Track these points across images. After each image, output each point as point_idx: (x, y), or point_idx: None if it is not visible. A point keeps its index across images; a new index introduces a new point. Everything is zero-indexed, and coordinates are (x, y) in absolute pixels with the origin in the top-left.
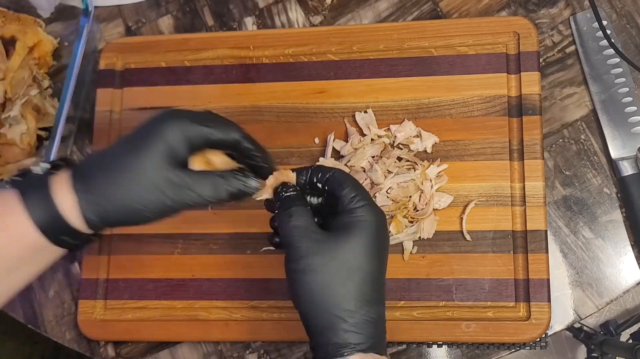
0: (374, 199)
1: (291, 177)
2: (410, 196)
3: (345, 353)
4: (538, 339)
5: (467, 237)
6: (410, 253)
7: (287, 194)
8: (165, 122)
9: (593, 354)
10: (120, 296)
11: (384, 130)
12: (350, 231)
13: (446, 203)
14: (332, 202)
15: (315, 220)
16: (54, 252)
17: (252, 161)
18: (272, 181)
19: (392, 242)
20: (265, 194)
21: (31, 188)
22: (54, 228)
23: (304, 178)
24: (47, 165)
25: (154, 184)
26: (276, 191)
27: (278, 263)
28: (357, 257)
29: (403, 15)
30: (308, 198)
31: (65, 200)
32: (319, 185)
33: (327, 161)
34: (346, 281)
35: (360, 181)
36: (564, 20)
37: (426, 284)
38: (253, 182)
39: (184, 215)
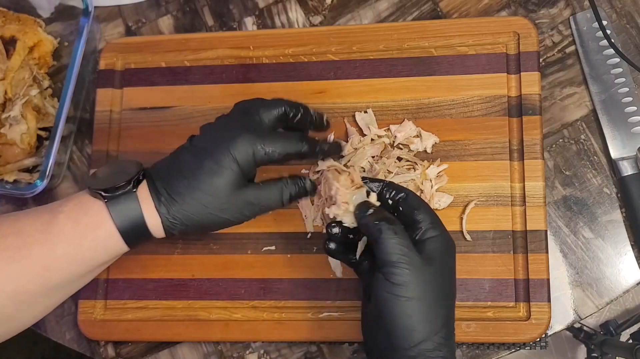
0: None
1: (356, 177)
2: None
3: None
4: (538, 339)
5: (467, 237)
6: None
7: (377, 212)
8: (237, 147)
9: (593, 354)
10: (120, 296)
11: (384, 130)
12: (436, 259)
13: (446, 203)
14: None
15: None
16: (121, 253)
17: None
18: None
19: None
20: (343, 208)
21: (118, 202)
22: (136, 237)
23: (375, 191)
24: (126, 180)
25: (232, 206)
26: (361, 207)
27: (278, 263)
28: (445, 285)
29: (403, 15)
30: None
31: (151, 217)
32: (390, 202)
33: (327, 161)
34: (437, 312)
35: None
36: (564, 20)
37: None
38: (308, 182)
39: None
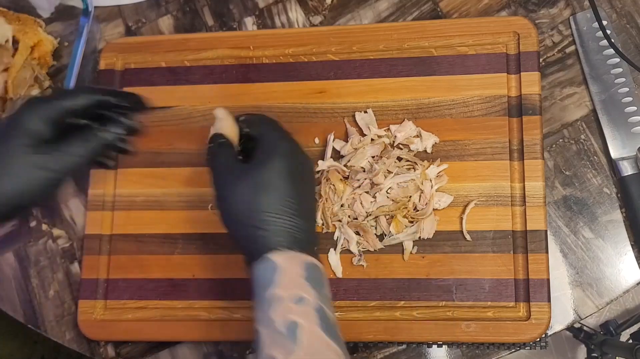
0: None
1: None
2: (410, 196)
3: (264, 252)
4: (538, 339)
5: (467, 237)
6: (410, 253)
7: (218, 141)
8: (22, 111)
9: (593, 354)
10: (120, 296)
11: (384, 130)
12: (259, 157)
13: (446, 203)
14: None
15: None
16: None
17: (124, 111)
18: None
19: (392, 242)
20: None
21: None
22: None
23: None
24: None
25: (28, 166)
26: (211, 139)
27: None
28: (267, 178)
29: (403, 15)
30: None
31: None
32: (246, 130)
33: (327, 161)
34: (259, 199)
35: (360, 182)
36: (564, 20)
37: (426, 284)
38: (127, 120)
39: (184, 215)
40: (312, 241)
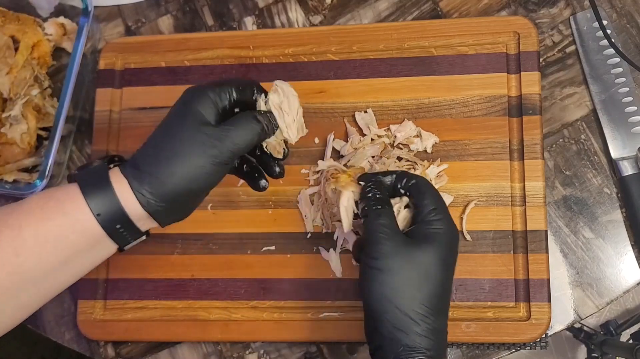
0: None
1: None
2: None
3: (417, 357)
4: (538, 340)
5: (467, 237)
6: None
7: (377, 194)
8: (192, 96)
9: (593, 355)
10: (120, 296)
11: (384, 130)
12: (429, 241)
13: (446, 203)
14: (413, 210)
15: None
16: (107, 247)
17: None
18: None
19: None
20: (351, 187)
21: (90, 178)
22: (109, 216)
23: (389, 181)
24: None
25: (197, 144)
26: (365, 188)
27: (278, 263)
28: (432, 266)
29: (403, 15)
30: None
31: (120, 186)
32: (402, 191)
33: (327, 161)
34: (421, 287)
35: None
36: (564, 20)
37: None
38: (275, 122)
39: None
40: (446, 344)
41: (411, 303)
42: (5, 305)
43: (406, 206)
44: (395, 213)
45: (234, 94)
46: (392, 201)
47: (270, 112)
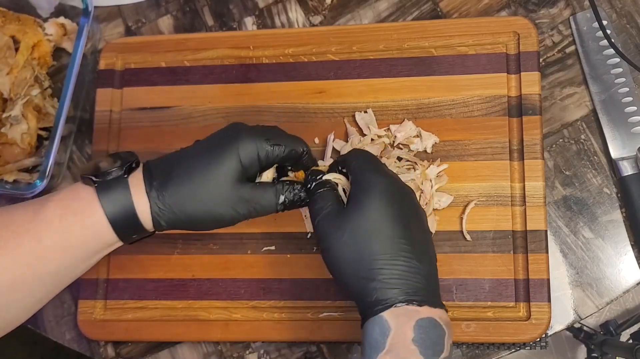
0: None
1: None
2: None
3: (378, 310)
4: (538, 339)
5: (467, 237)
6: None
7: (315, 182)
8: (242, 141)
9: (593, 355)
10: (120, 296)
11: (384, 130)
12: (360, 199)
13: (446, 203)
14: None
15: None
16: (116, 245)
17: (304, 168)
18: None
19: None
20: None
21: (110, 191)
22: (127, 227)
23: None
24: (118, 165)
25: (227, 201)
26: (306, 183)
27: (278, 263)
28: (371, 221)
29: (403, 15)
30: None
31: (141, 204)
32: (344, 171)
33: (327, 161)
34: (366, 245)
35: None
36: (564, 20)
37: None
38: (302, 193)
39: None
40: (433, 287)
41: (362, 265)
42: (24, 301)
43: None
44: (347, 189)
45: (285, 156)
46: (337, 179)
47: (299, 188)
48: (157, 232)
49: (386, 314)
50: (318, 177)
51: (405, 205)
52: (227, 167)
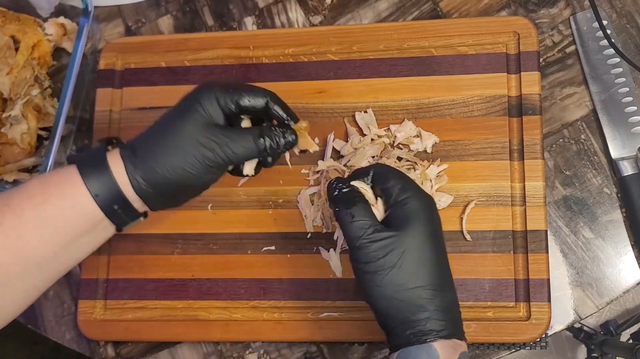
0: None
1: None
2: None
3: (428, 340)
4: (538, 339)
5: (467, 237)
6: None
7: (344, 190)
8: (200, 93)
9: (593, 354)
10: (120, 296)
11: (384, 130)
12: (409, 222)
13: (446, 203)
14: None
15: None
16: (105, 228)
17: (280, 122)
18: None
19: None
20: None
21: (88, 160)
22: (107, 197)
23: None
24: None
25: (195, 142)
26: (330, 186)
27: (278, 263)
28: (421, 247)
29: (403, 15)
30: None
31: (116, 167)
32: (369, 182)
33: (327, 161)
34: (417, 274)
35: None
36: (564, 20)
37: None
38: (289, 135)
39: (184, 215)
40: (460, 316)
41: (413, 292)
42: (11, 290)
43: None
44: (373, 204)
45: (245, 101)
46: (363, 190)
47: (282, 130)
48: (148, 214)
49: (436, 345)
50: (346, 185)
51: (440, 230)
52: (190, 116)
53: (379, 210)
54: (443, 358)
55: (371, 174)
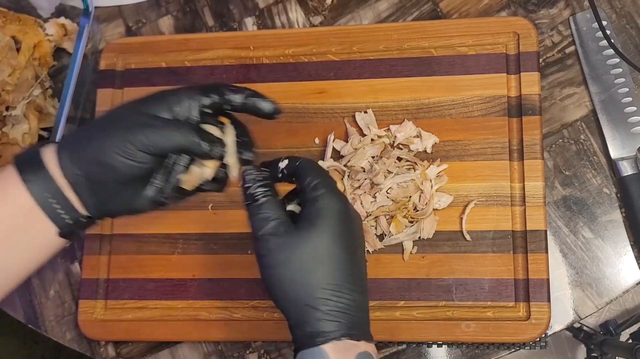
0: (353, 196)
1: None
2: (410, 197)
3: (319, 342)
4: (538, 339)
5: (467, 237)
6: (410, 253)
7: (256, 183)
8: (148, 96)
9: (593, 354)
10: (120, 296)
11: (384, 131)
12: (314, 221)
13: (446, 203)
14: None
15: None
16: (45, 230)
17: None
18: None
19: (392, 242)
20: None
21: (25, 153)
22: (39, 185)
23: (277, 169)
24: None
25: (125, 121)
26: (243, 177)
27: None
28: (322, 247)
29: (403, 15)
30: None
31: (49, 154)
32: (287, 174)
33: (327, 161)
34: (314, 272)
35: (360, 182)
36: (563, 20)
37: (426, 284)
38: (218, 148)
39: (184, 215)
40: (366, 320)
41: (307, 291)
42: None
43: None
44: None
45: (201, 102)
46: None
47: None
48: (95, 221)
49: (326, 347)
50: (259, 179)
51: (355, 234)
52: (140, 102)
53: (295, 207)
54: None
55: (295, 165)
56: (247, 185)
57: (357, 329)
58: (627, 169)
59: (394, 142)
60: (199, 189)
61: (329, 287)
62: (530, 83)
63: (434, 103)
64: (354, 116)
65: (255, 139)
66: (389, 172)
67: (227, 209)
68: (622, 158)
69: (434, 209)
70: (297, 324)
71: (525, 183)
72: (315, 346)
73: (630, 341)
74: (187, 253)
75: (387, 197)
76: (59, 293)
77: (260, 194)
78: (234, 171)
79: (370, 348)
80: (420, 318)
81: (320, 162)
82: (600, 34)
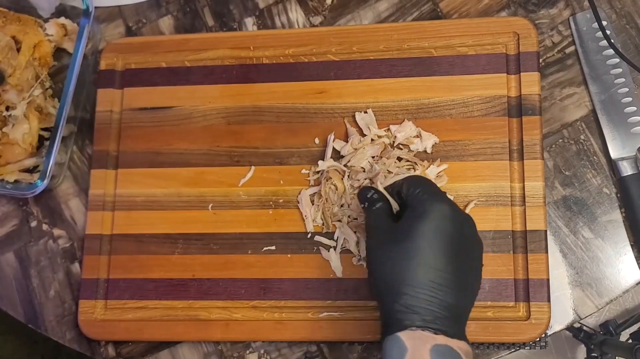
0: None
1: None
2: None
3: (395, 329)
4: (538, 339)
5: None
6: None
7: (374, 195)
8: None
9: (593, 354)
10: (120, 296)
11: (384, 131)
12: (410, 221)
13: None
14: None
15: None
16: None
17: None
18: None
19: None
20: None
21: None
22: None
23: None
24: None
25: None
26: (362, 191)
27: (278, 263)
28: (414, 243)
29: (403, 15)
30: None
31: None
32: (398, 192)
33: (327, 161)
34: (402, 269)
35: (360, 182)
36: (563, 20)
37: None
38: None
39: (184, 215)
40: (459, 319)
41: (395, 285)
42: None
43: None
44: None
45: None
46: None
47: None
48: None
49: (402, 335)
50: (372, 193)
51: (459, 235)
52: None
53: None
54: (411, 348)
55: (401, 184)
56: (365, 192)
57: (439, 324)
58: (627, 169)
59: (394, 142)
60: None
61: (411, 283)
62: (530, 83)
63: (434, 103)
64: (354, 116)
65: None
66: (389, 172)
67: (227, 209)
68: (622, 158)
69: None
70: (384, 315)
71: (525, 183)
72: (392, 333)
73: (630, 341)
74: (187, 253)
75: None
76: (59, 293)
77: (375, 200)
78: None
79: (454, 343)
80: None
81: (320, 162)
82: (600, 34)
